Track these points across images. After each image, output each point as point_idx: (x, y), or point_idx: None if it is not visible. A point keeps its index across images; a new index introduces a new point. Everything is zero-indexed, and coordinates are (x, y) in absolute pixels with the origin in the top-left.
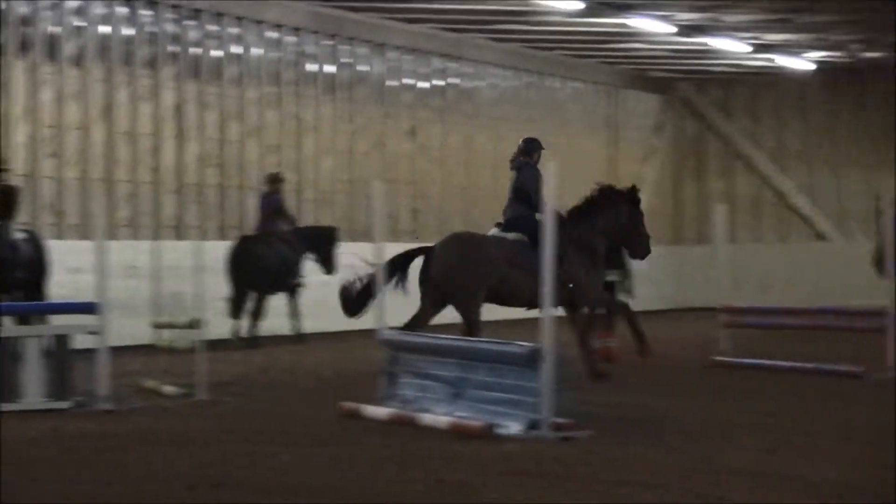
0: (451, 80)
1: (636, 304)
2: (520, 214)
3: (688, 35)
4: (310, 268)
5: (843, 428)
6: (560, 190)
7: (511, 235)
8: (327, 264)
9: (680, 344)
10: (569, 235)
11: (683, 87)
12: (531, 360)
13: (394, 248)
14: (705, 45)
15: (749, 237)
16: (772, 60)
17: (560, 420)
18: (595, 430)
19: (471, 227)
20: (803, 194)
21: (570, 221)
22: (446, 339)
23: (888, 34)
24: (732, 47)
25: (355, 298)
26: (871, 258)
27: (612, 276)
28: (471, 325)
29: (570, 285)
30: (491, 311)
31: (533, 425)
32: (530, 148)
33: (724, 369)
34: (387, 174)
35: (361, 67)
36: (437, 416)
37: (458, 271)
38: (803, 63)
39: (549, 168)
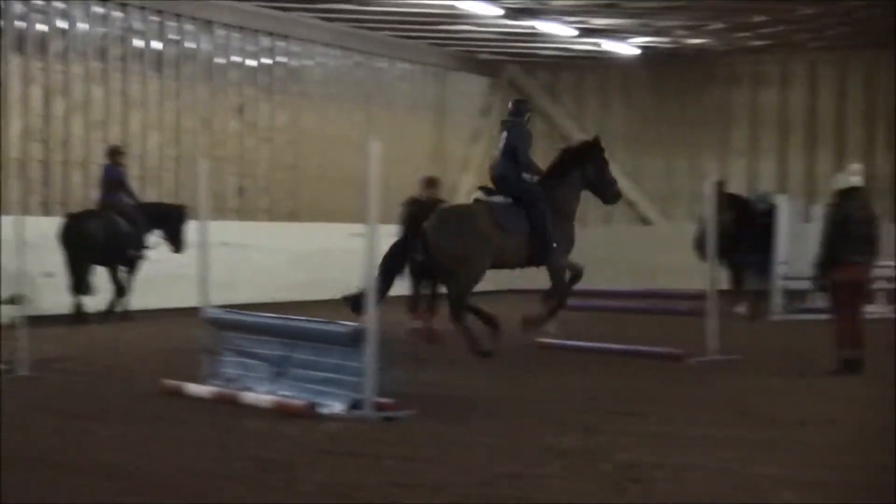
0: (279, 59)
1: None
2: (506, 173)
3: (515, 18)
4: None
5: (661, 409)
6: (385, 170)
7: (497, 199)
8: (175, 242)
9: (506, 325)
10: (548, 196)
11: (511, 69)
12: (354, 340)
13: (218, 227)
14: (533, 28)
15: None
16: (598, 45)
17: (383, 400)
18: (418, 409)
19: (298, 205)
20: (628, 178)
21: (548, 182)
22: (270, 317)
23: (711, 21)
24: (559, 31)
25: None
26: (693, 241)
27: None
28: (462, 300)
29: (554, 244)
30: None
31: (355, 405)
32: (520, 109)
33: (549, 351)
34: (214, 152)
35: (189, 44)
36: (260, 395)
37: (459, 250)
38: (628, 48)
39: (372, 148)
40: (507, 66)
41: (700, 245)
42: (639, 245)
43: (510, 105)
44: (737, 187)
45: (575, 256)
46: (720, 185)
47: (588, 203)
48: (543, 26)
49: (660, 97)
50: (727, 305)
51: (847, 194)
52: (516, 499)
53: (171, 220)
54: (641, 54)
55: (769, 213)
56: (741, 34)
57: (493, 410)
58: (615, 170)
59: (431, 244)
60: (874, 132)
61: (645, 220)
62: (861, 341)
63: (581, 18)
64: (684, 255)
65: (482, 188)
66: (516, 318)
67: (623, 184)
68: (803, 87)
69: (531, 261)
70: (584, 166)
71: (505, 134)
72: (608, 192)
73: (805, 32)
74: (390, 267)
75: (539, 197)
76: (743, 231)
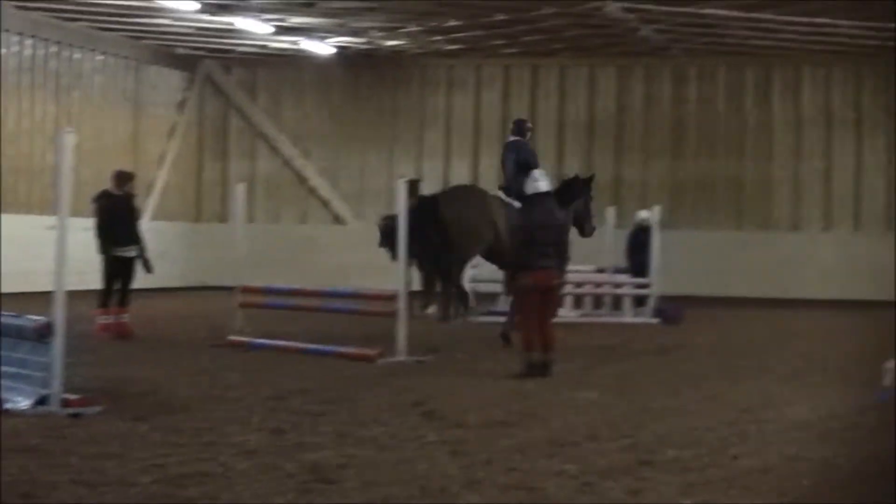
0: None
1: (155, 281)
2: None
3: (213, 14)
4: None
5: (349, 409)
6: (79, 163)
7: (515, 203)
8: None
9: (197, 322)
10: None
11: (209, 65)
12: (41, 335)
13: None
14: (230, 24)
15: (269, 217)
16: (296, 43)
17: (70, 396)
18: (106, 406)
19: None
20: (323, 177)
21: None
22: None
23: (407, 24)
24: (257, 28)
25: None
26: (379, 240)
27: (130, 252)
28: (457, 273)
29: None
30: None
31: (42, 401)
32: (522, 129)
33: (240, 348)
34: None
35: None
36: None
37: (469, 216)
38: (326, 47)
39: (65, 140)
40: (204, 61)
41: (384, 243)
42: (332, 244)
43: (512, 125)
44: (430, 189)
45: (270, 254)
46: (413, 184)
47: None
48: (241, 23)
49: (356, 97)
50: (418, 307)
51: (534, 200)
52: (203, 498)
53: None
54: (338, 54)
55: None
56: (436, 37)
57: (182, 408)
58: (309, 168)
59: (442, 208)
60: (563, 139)
61: (339, 220)
62: (550, 345)
63: (279, 16)
64: (377, 256)
65: (501, 188)
66: (207, 312)
67: (318, 183)
68: (497, 91)
69: None
70: (578, 198)
71: (512, 154)
72: (587, 225)
73: (499, 38)
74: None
75: None
76: (435, 233)
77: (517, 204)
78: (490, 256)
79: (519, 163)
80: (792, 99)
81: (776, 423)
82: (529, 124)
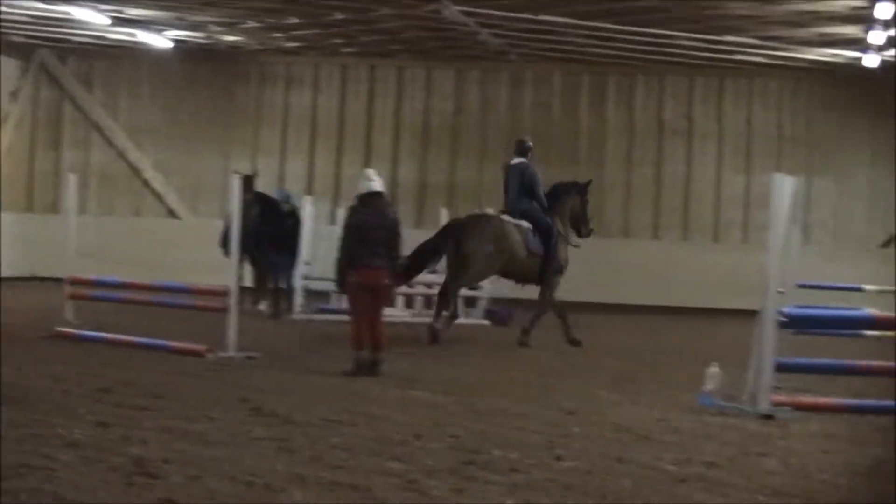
0: None
1: None
2: (529, 209)
3: (49, 2)
4: None
5: (177, 404)
6: None
7: (523, 223)
8: None
9: (25, 313)
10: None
11: (43, 54)
12: None
13: None
14: (67, 13)
15: (102, 209)
16: (133, 35)
17: None
18: None
19: None
20: (157, 170)
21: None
22: None
23: (246, 19)
24: (93, 18)
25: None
26: (219, 238)
27: None
28: (459, 289)
29: (561, 263)
30: None
31: None
32: (524, 149)
33: (69, 340)
34: None
35: None
36: None
37: (484, 247)
38: (163, 40)
39: None
40: (39, 50)
41: (225, 242)
42: (166, 239)
43: (515, 145)
44: (265, 186)
45: (102, 246)
46: (248, 179)
47: (118, 193)
48: (77, 12)
49: (193, 92)
50: (250, 303)
51: (366, 199)
52: (25, 490)
53: None
54: (176, 47)
55: (294, 214)
56: (275, 34)
57: (7, 399)
58: (144, 161)
59: (467, 242)
60: (400, 140)
61: (173, 214)
62: (379, 343)
63: (116, 7)
64: (210, 251)
65: (503, 212)
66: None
67: (152, 176)
68: (335, 90)
69: (537, 278)
70: (573, 202)
71: (518, 174)
72: (584, 228)
73: (337, 37)
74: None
75: (553, 231)
76: (268, 230)
77: (526, 224)
78: (507, 274)
79: (524, 185)
80: (626, 106)
81: (600, 425)
82: (530, 143)
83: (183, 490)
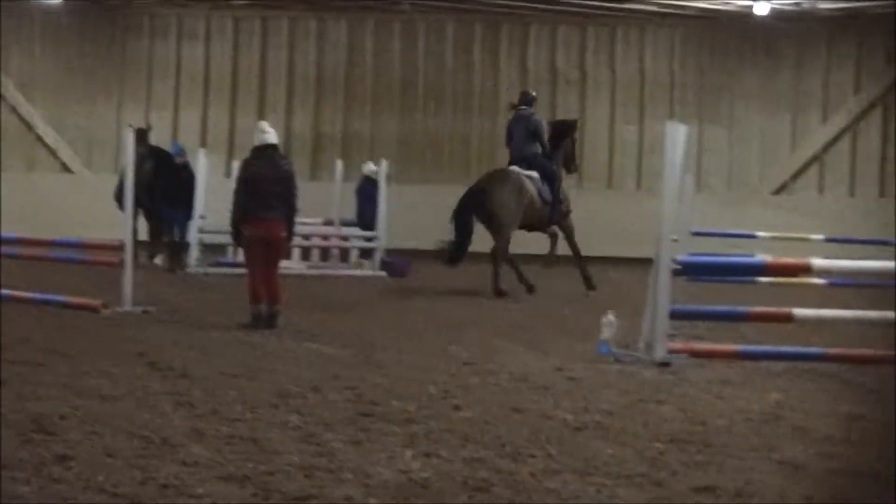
0: None
1: None
2: (534, 153)
3: None
4: None
5: (72, 360)
6: None
7: (532, 173)
8: None
9: None
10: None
11: None
12: None
13: None
14: None
15: None
16: None
17: None
18: None
19: None
20: (50, 125)
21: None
22: None
23: None
24: None
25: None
26: (114, 192)
27: None
28: (504, 245)
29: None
30: None
31: None
32: (529, 100)
33: None
34: None
35: None
36: None
37: (509, 203)
38: None
39: None
40: None
41: (120, 196)
42: (60, 194)
43: (519, 96)
44: (159, 140)
45: None
46: (142, 132)
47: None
48: None
49: (84, 45)
50: (146, 257)
51: (260, 152)
52: None
53: None
54: (67, 0)
55: (188, 167)
56: None
57: None
58: (36, 116)
59: (495, 199)
60: (293, 91)
61: (67, 168)
62: (276, 296)
63: None
64: (106, 206)
65: (511, 161)
66: None
67: (45, 131)
68: (227, 42)
69: (546, 224)
70: (566, 141)
71: (523, 121)
72: (572, 164)
73: None
74: (464, 222)
75: (557, 175)
76: (162, 183)
77: (535, 174)
78: (522, 225)
79: (529, 132)
80: (519, 56)
81: (497, 375)
82: (534, 93)
83: (80, 446)
